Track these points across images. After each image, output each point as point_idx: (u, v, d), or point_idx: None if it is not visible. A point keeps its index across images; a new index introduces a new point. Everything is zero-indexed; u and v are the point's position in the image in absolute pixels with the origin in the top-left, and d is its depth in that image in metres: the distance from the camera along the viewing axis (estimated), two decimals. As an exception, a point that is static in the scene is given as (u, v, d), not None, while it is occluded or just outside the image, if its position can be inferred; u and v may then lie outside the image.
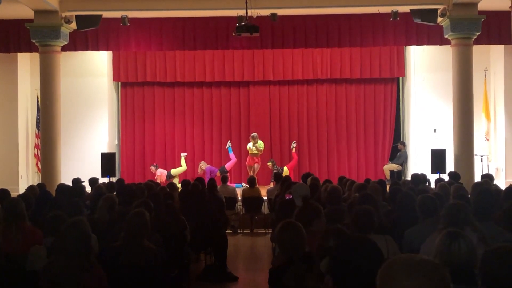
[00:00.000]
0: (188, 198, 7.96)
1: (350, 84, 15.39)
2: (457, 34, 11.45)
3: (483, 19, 11.40)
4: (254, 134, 14.06)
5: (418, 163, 13.86)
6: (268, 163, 14.26)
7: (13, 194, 6.95)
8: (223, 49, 13.86)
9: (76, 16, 11.93)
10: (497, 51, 13.56)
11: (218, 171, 13.98)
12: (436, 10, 11.69)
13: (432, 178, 10.13)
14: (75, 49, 12.93)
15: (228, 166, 14.25)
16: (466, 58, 11.58)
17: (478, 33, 11.51)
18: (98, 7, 11.83)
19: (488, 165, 13.23)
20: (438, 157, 12.37)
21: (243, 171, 14.79)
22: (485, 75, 13.70)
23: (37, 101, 13.54)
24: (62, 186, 8.32)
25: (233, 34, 10.91)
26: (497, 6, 11.53)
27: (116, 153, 14.50)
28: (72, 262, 3.58)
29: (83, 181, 9.48)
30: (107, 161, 13.08)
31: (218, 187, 10.15)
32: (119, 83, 15.57)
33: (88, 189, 9.13)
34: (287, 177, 10.26)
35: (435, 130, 14.06)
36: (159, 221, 5.56)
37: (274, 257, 5.26)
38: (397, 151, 14.80)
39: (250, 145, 13.98)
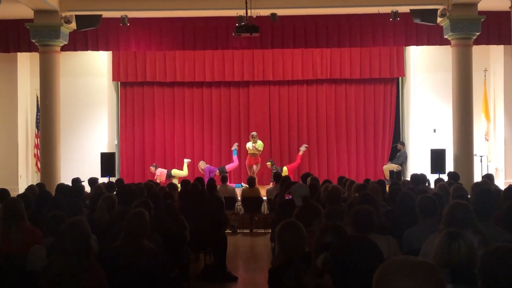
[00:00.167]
0: (187, 198, 7.95)
1: (349, 84, 15.39)
2: (457, 34, 11.46)
3: (483, 19, 11.40)
4: (254, 133, 14.06)
5: (417, 163, 13.86)
6: (267, 163, 14.26)
7: (13, 194, 6.96)
8: (223, 49, 13.87)
9: (76, 16, 11.93)
10: (497, 51, 13.56)
11: (218, 171, 13.98)
12: (436, 10, 11.69)
13: (432, 178, 10.13)
14: (75, 49, 12.93)
15: (228, 167, 14.23)
16: (466, 59, 11.59)
17: (478, 33, 11.52)
18: (98, 7, 11.83)
19: (487, 165, 13.24)
20: (437, 157, 12.38)
21: (242, 171, 14.78)
22: (485, 75, 13.70)
23: (37, 101, 13.53)
24: (62, 186, 8.31)
25: (233, 34, 10.91)
26: (497, 6, 11.53)
27: (115, 153, 14.51)
28: (71, 262, 3.58)
29: (83, 181, 9.49)
30: (107, 161, 13.08)
31: (218, 187, 10.15)
32: (119, 83, 15.57)
33: (87, 189, 9.13)
34: (287, 177, 10.25)
35: (434, 130, 14.07)
36: (158, 221, 5.55)
37: (274, 257, 5.26)
38: (397, 151, 14.80)
39: (249, 144, 13.97)
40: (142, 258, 4.26)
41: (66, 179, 10.53)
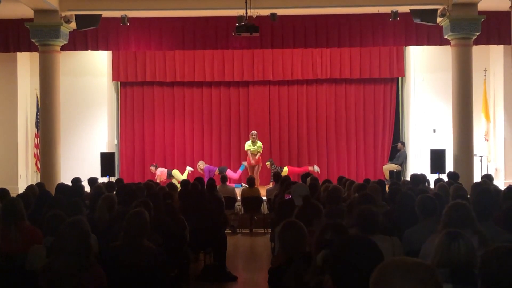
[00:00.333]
0: (187, 198, 7.95)
1: (349, 84, 15.39)
2: (456, 34, 11.45)
3: (482, 20, 11.40)
4: (254, 132, 14.01)
5: (417, 163, 13.85)
6: (267, 163, 14.26)
7: (13, 194, 6.96)
8: (223, 49, 13.87)
9: (76, 15, 11.92)
10: (496, 51, 13.56)
11: (217, 170, 13.97)
12: (436, 10, 11.69)
13: (431, 178, 10.13)
14: (75, 49, 12.92)
15: (228, 173, 14.13)
16: (466, 58, 11.58)
17: (477, 33, 11.52)
18: (98, 7, 11.82)
19: (487, 166, 13.24)
20: (437, 157, 12.38)
21: (242, 173, 14.74)
22: (485, 75, 13.70)
23: (37, 101, 13.53)
24: (62, 186, 8.31)
25: (233, 34, 10.91)
26: (496, 6, 11.53)
27: (115, 153, 14.51)
28: (71, 262, 3.58)
29: (83, 181, 9.48)
30: (107, 160, 13.08)
31: (218, 187, 10.14)
32: (119, 82, 15.56)
33: (87, 188, 9.13)
34: (287, 177, 10.24)
35: (434, 130, 14.07)
36: (158, 221, 5.55)
37: (274, 256, 5.26)
38: (397, 151, 14.80)
39: (249, 143, 13.92)
40: (142, 258, 4.26)
41: (66, 179, 10.53)
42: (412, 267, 1.71)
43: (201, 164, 14.29)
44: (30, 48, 12.57)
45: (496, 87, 13.82)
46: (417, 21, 11.86)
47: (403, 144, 14.81)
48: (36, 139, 13.73)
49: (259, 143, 13.95)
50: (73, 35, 12.37)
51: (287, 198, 7.08)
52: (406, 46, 14.27)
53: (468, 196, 6.43)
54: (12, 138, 13.76)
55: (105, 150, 14.06)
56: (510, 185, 7.12)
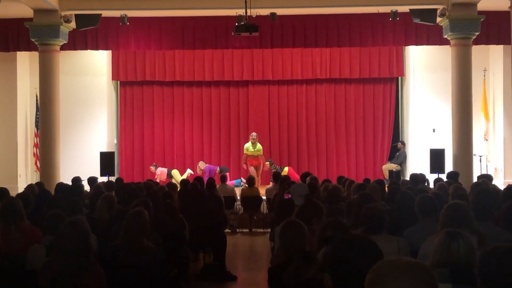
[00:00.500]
0: (187, 198, 7.95)
1: (349, 84, 15.40)
2: (456, 34, 11.45)
3: (482, 19, 11.40)
4: (254, 134, 13.98)
5: (417, 163, 13.85)
6: (266, 163, 14.25)
7: (12, 193, 6.96)
8: (223, 49, 13.87)
9: (76, 15, 11.92)
10: (496, 51, 13.56)
11: (219, 169, 13.96)
12: (436, 10, 11.69)
13: (431, 178, 10.13)
14: (75, 48, 12.91)
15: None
16: (465, 58, 11.58)
17: (477, 33, 11.51)
18: (98, 6, 11.81)
19: (487, 165, 13.24)
20: (437, 157, 12.38)
21: (243, 170, 14.73)
22: (484, 75, 13.71)
23: (36, 100, 13.52)
24: (61, 185, 8.32)
25: (233, 34, 10.90)
26: (496, 6, 11.53)
27: (115, 152, 14.51)
28: (71, 261, 3.58)
29: (82, 180, 9.48)
30: (106, 160, 13.08)
31: (217, 186, 10.15)
32: (118, 82, 15.56)
33: (87, 188, 9.13)
34: (286, 176, 10.25)
35: (434, 130, 14.07)
36: (158, 220, 5.55)
37: (273, 256, 5.27)
38: (396, 151, 14.80)
39: (249, 145, 13.89)
40: (141, 257, 4.26)
41: (65, 178, 10.52)
42: (407, 267, 1.69)
43: (201, 165, 14.28)
44: (29, 47, 12.56)
45: (495, 87, 13.82)
46: (417, 21, 11.87)
47: (403, 143, 14.81)
48: (35, 138, 13.73)
49: (259, 146, 13.90)
50: (73, 35, 12.36)
51: (287, 197, 7.08)
52: (405, 46, 14.27)
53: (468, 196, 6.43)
54: (11, 137, 13.76)
55: (104, 149, 14.06)
56: (509, 185, 7.11)
